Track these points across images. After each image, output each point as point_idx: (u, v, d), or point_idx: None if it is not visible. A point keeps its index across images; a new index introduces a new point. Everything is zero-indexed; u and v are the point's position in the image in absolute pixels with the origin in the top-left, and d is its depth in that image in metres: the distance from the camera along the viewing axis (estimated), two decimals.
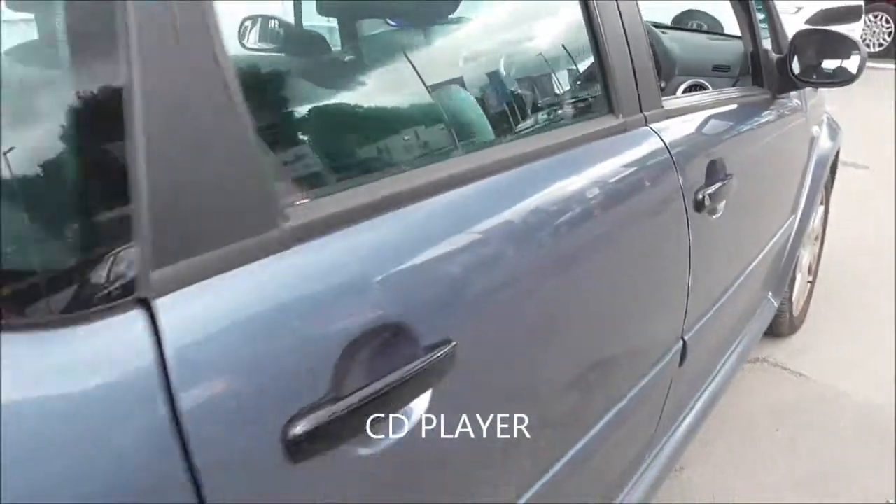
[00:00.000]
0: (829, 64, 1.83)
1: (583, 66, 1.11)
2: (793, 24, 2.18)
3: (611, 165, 1.05)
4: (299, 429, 0.58)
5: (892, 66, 7.99)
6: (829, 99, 2.63)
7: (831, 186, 2.68)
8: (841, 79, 1.78)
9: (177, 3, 0.53)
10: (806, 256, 2.54)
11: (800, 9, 6.78)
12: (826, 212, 2.70)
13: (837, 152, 2.48)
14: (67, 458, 0.45)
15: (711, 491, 1.87)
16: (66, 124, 0.49)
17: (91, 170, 0.50)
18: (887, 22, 8.50)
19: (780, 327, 2.47)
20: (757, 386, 2.33)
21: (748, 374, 2.37)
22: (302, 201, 0.64)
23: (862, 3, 7.45)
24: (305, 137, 0.76)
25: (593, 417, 1.04)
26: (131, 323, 0.50)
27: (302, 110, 0.77)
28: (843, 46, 1.80)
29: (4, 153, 0.45)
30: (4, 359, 0.44)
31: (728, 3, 1.85)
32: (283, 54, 0.92)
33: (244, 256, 0.57)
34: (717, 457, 2.00)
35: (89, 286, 0.49)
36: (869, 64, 5.01)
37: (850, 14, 7.24)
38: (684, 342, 1.32)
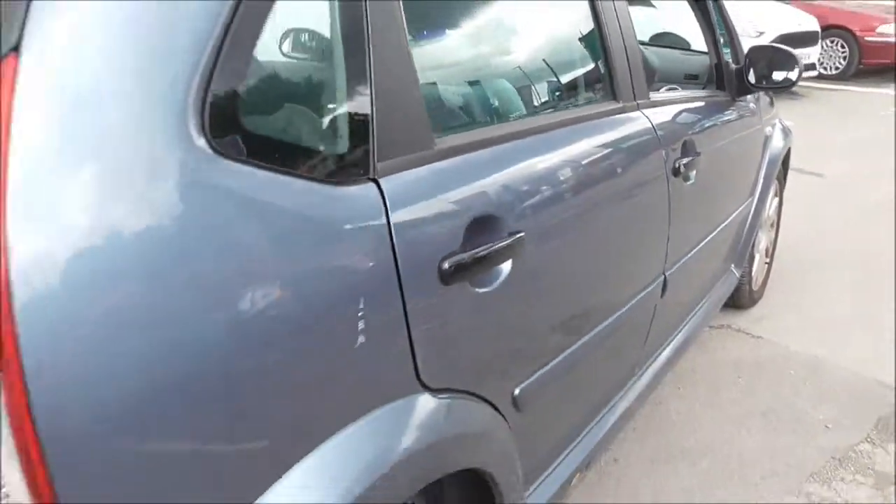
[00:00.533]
0: (777, 75, 2.28)
1: (597, 65, 1.54)
2: None
3: (615, 135, 1.48)
4: (445, 265, 0.98)
5: (846, 87, 8.62)
6: (790, 116, 3.09)
7: (784, 181, 3.14)
8: (784, 85, 2.24)
9: (384, 7, 0.94)
10: (764, 240, 2.99)
11: (761, 33, 7.34)
12: (780, 203, 3.16)
13: (788, 151, 2.95)
14: (340, 262, 0.85)
15: (687, 419, 2.29)
16: (347, 90, 0.90)
17: (353, 113, 0.91)
18: (843, 47, 9.14)
19: (741, 300, 2.91)
20: (722, 345, 2.76)
21: (715, 336, 2.81)
22: (442, 135, 1.05)
23: (818, 29, 8.07)
24: (442, 98, 1.18)
25: (605, 314, 1.46)
26: (370, 189, 0.90)
27: (439, 81, 1.18)
28: (788, 60, 2.26)
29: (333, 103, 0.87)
30: (312, 196, 0.84)
31: (697, 25, 2.30)
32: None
33: (415, 162, 0.98)
34: (690, 397, 2.42)
35: (355, 167, 0.89)
36: (826, 86, 5.59)
37: (807, 39, 7.83)
38: (665, 277, 1.75)
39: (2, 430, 0.62)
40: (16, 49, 0.63)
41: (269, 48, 0.86)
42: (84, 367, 0.64)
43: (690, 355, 2.57)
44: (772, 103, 2.83)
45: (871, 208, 4.27)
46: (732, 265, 2.59)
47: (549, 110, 1.43)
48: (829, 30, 8.83)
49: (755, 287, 2.99)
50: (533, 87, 1.39)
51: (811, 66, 8.08)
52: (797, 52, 6.93)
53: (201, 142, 0.73)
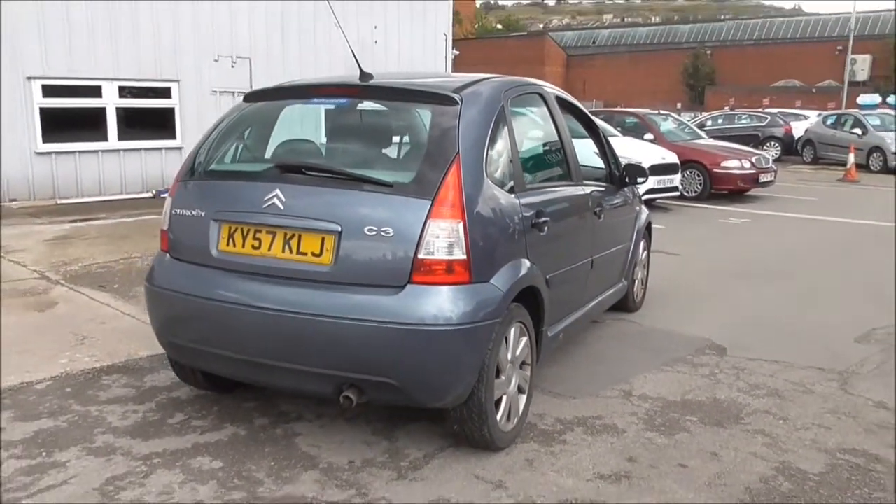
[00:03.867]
0: (639, 179, 4.66)
1: (565, 166, 3.81)
2: None
3: (575, 192, 3.74)
4: (531, 222, 3.15)
5: (702, 205, 11.58)
6: (661, 221, 5.49)
7: (650, 241, 5.51)
8: (641, 183, 4.62)
9: (511, 143, 3.17)
10: (640, 273, 5.29)
11: (640, 162, 10.13)
12: (648, 254, 5.50)
13: (650, 223, 5.34)
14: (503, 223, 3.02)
15: (602, 349, 4.44)
16: (507, 166, 3.13)
17: (510, 173, 3.13)
18: (699, 176, 12.20)
19: (628, 305, 5.15)
20: (619, 327, 4.97)
21: (615, 323, 5.02)
22: (527, 182, 3.26)
23: (678, 162, 11.03)
24: (525, 170, 3.37)
25: (574, 261, 3.66)
26: (515, 197, 3.09)
27: (523, 164, 3.37)
28: (643, 172, 4.65)
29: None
30: (508, 198, 3.02)
31: (598, 151, 4.65)
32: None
33: (521, 190, 3.16)
34: (604, 343, 4.59)
35: (512, 189, 3.09)
36: (687, 204, 8.93)
37: (671, 168, 10.76)
38: (592, 260, 3.97)
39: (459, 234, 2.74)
40: (458, 153, 2.80)
41: (494, 146, 3.03)
42: (478, 224, 2.79)
43: (603, 332, 4.79)
44: (639, 198, 5.22)
45: (706, 272, 6.77)
46: (623, 279, 4.86)
47: (554, 178, 3.70)
48: (688, 163, 11.86)
49: (637, 300, 5.27)
50: (551, 170, 3.67)
51: (675, 189, 10.99)
52: (664, 176, 10.00)
53: (486, 177, 2.90)
